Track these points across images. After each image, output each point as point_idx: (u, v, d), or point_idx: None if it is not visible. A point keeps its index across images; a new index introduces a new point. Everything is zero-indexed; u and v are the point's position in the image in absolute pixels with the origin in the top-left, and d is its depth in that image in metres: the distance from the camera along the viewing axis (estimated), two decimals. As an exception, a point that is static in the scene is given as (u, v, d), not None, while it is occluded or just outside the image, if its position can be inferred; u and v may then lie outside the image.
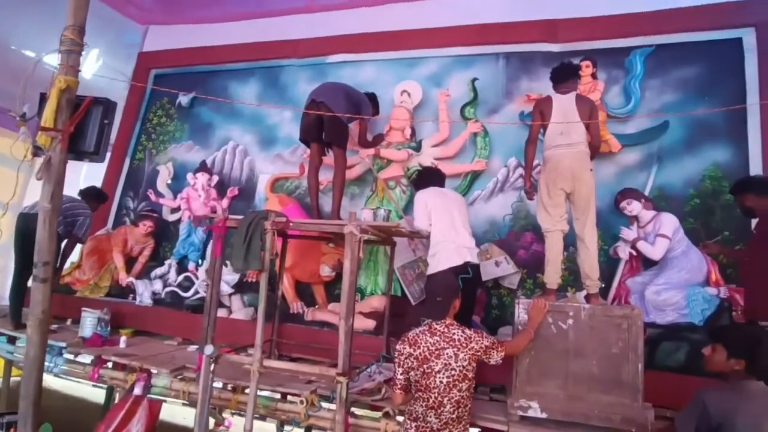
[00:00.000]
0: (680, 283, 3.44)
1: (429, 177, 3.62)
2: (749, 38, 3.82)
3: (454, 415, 2.24)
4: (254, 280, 4.46)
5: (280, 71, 5.37)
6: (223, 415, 3.52)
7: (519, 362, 2.71)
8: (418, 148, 4.46)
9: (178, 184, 5.35)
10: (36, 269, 2.10)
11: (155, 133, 5.71)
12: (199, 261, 4.86)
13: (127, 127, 5.73)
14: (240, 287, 4.39)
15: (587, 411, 2.60)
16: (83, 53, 2.28)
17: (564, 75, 3.30)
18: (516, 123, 4.22)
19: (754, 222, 3.17)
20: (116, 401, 3.58)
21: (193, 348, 3.87)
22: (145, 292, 4.43)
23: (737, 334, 2.13)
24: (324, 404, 2.88)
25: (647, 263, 3.70)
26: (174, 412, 5.12)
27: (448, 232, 3.24)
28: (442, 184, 3.61)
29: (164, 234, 5.16)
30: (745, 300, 3.05)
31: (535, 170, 3.55)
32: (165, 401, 3.31)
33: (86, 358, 3.69)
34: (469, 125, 4.36)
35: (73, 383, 6.88)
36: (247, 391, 2.91)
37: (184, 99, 5.44)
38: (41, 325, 2.17)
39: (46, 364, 3.59)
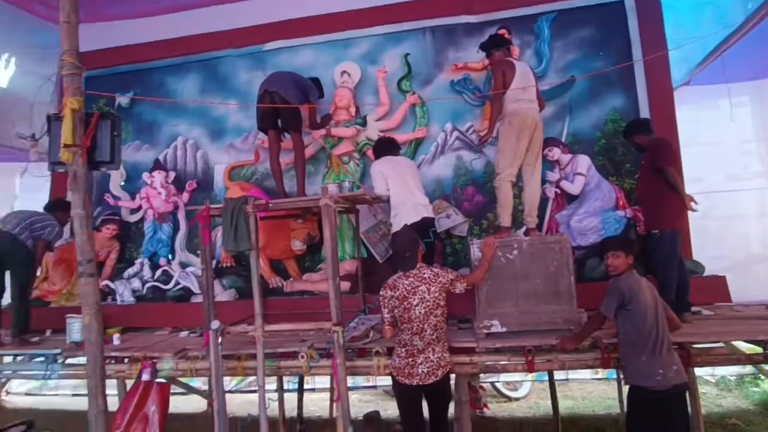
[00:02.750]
0: (596, 211, 4.22)
1: (385, 147, 4.07)
2: (630, 1, 4.54)
3: (433, 336, 2.78)
4: (228, 264, 4.76)
5: (218, 63, 5.45)
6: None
7: (479, 291, 3.30)
8: (363, 123, 4.86)
9: (131, 185, 5.39)
10: (81, 267, 2.33)
11: (96, 137, 5.63)
12: (169, 256, 5.04)
13: (66, 134, 5.59)
14: (216, 272, 4.66)
15: (536, 320, 3.26)
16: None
17: (496, 44, 3.85)
18: (455, 98, 4.76)
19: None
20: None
21: (185, 334, 4.16)
22: (125, 292, 4.59)
23: (628, 240, 2.89)
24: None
25: (570, 198, 4.44)
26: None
27: (405, 195, 3.74)
28: (397, 152, 4.08)
29: (126, 235, 5.25)
30: (643, 216, 3.83)
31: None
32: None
33: (82, 360, 3.86)
34: (407, 98, 4.81)
35: (43, 398, 6.83)
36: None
37: (123, 99, 5.41)
38: (97, 315, 2.43)
39: (42, 372, 3.78)
